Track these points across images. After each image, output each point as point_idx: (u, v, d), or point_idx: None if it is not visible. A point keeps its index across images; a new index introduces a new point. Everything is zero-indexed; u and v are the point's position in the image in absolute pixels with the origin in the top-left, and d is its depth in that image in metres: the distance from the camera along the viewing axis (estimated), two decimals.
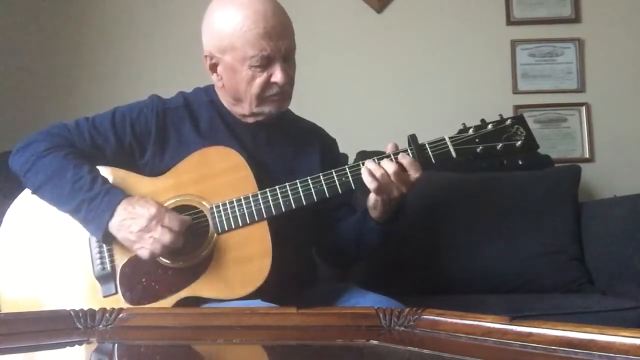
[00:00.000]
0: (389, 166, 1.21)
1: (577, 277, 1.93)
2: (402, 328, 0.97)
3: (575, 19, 2.50)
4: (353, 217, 1.39)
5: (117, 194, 1.23)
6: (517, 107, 2.46)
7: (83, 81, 2.45)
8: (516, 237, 1.97)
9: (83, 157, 1.30)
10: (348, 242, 1.39)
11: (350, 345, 0.95)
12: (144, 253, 1.21)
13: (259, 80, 1.28)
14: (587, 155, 2.46)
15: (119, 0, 2.50)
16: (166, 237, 1.19)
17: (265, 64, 1.27)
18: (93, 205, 1.22)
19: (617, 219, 1.91)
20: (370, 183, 1.21)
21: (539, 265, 1.94)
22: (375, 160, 1.24)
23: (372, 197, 1.26)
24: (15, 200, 1.32)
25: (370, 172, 1.21)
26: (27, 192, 1.31)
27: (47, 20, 2.47)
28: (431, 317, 0.96)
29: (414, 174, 1.22)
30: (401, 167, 1.22)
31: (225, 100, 1.38)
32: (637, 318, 1.62)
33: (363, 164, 1.25)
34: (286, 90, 1.32)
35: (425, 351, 0.87)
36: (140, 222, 1.19)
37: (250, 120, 1.37)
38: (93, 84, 2.45)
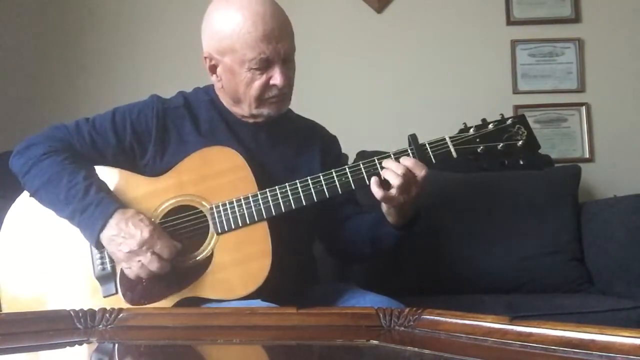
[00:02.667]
0: (399, 169, 1.21)
1: (577, 277, 1.93)
2: (402, 328, 0.97)
3: (575, 19, 2.50)
4: (366, 219, 1.38)
5: (109, 205, 1.22)
6: (517, 107, 2.46)
7: (83, 81, 2.45)
8: (516, 237, 1.97)
9: (82, 161, 1.29)
10: (362, 243, 1.39)
11: (350, 345, 0.95)
12: (129, 273, 1.21)
13: (258, 82, 1.28)
14: (587, 155, 2.46)
15: (120, 1, 2.50)
16: (154, 265, 1.18)
17: (264, 66, 1.27)
18: (85, 215, 1.21)
19: (617, 219, 1.91)
20: (377, 192, 1.21)
21: (539, 265, 1.94)
22: (392, 162, 1.23)
23: (384, 206, 1.26)
24: (16, 200, 1.33)
25: (378, 183, 1.22)
26: (27, 193, 1.31)
27: (47, 21, 2.47)
28: (431, 317, 0.96)
29: (419, 173, 1.22)
30: (408, 171, 1.22)
31: (224, 100, 1.38)
32: (637, 318, 1.62)
33: (363, 164, 1.25)
34: (285, 93, 1.32)
35: (425, 351, 0.87)
36: (130, 243, 1.18)
37: (250, 120, 1.37)
38: (93, 84, 2.45)
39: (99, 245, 1.22)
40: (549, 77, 2.50)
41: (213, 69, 1.34)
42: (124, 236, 1.19)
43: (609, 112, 2.48)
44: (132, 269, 1.20)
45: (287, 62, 1.30)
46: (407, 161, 1.23)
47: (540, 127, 2.46)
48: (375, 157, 1.26)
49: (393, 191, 1.21)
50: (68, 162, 1.27)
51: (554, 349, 0.79)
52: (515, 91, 2.49)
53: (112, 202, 1.23)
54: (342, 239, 1.42)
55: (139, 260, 1.18)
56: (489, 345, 0.85)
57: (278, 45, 1.26)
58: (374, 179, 1.23)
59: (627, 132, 2.46)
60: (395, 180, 1.20)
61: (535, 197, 2.03)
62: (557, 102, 2.49)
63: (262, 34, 1.24)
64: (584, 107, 2.48)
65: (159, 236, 1.20)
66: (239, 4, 1.26)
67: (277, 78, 1.27)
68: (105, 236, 1.20)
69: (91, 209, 1.21)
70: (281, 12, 1.29)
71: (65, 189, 1.23)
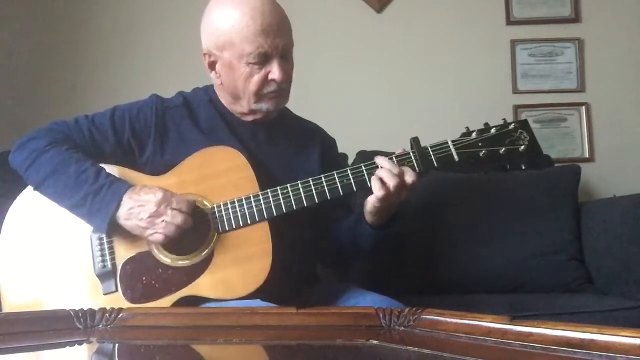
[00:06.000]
0: (395, 170, 1.22)
1: (577, 277, 1.93)
2: (402, 328, 0.97)
3: (575, 19, 2.50)
4: (349, 220, 1.39)
5: (122, 185, 1.24)
6: (517, 107, 2.46)
7: (83, 81, 2.46)
8: (516, 237, 1.97)
9: (84, 153, 1.30)
10: (344, 244, 1.39)
11: (350, 345, 0.95)
12: (158, 238, 1.21)
13: (257, 77, 1.28)
14: (587, 155, 2.46)
15: (119, 0, 2.50)
16: (178, 219, 1.19)
17: (263, 61, 1.27)
18: (99, 198, 1.22)
19: (617, 219, 1.91)
20: (378, 191, 1.21)
21: (539, 265, 1.94)
22: (387, 162, 1.24)
23: (371, 202, 1.26)
24: (17, 199, 1.33)
25: (381, 180, 1.22)
26: (27, 191, 1.32)
27: (47, 20, 2.47)
28: (431, 317, 0.96)
29: (408, 179, 1.22)
30: (402, 173, 1.23)
31: (224, 99, 1.38)
32: (637, 318, 1.62)
33: (365, 166, 1.25)
34: (284, 88, 1.32)
35: (425, 351, 0.87)
36: (149, 208, 1.20)
37: (249, 118, 1.37)
38: (93, 84, 2.45)
39: (112, 228, 1.22)
40: (549, 77, 2.50)
41: (212, 65, 1.34)
42: (141, 204, 1.20)
43: (609, 112, 2.48)
44: (158, 232, 1.20)
45: (285, 58, 1.30)
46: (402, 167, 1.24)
47: (540, 127, 2.46)
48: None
49: (391, 190, 1.21)
50: (73, 152, 1.28)
51: (554, 349, 0.79)
52: (515, 91, 2.49)
53: (124, 183, 1.25)
54: (327, 242, 1.42)
55: (163, 220, 1.19)
56: (489, 345, 0.85)
57: (276, 40, 1.26)
58: (374, 178, 1.23)
59: (627, 132, 2.46)
60: (392, 181, 1.21)
61: (535, 197, 2.03)
62: (557, 102, 2.49)
63: (260, 28, 1.25)
64: (584, 107, 2.48)
65: (172, 194, 1.23)
66: (237, 1, 1.27)
67: (275, 73, 1.28)
68: (122, 214, 1.21)
69: (104, 190, 1.22)
70: (279, 9, 1.30)
71: (75, 176, 1.24)
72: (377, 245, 1.35)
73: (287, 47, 1.30)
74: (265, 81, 1.29)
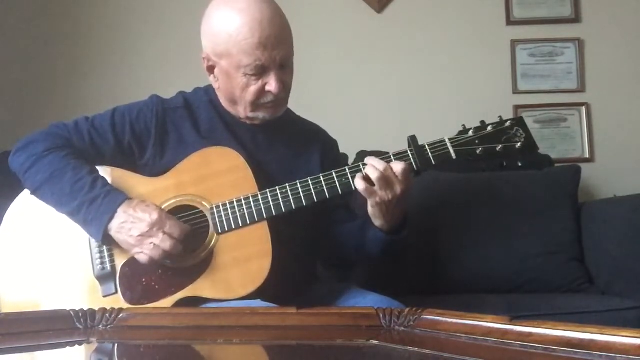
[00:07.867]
0: (380, 165, 1.22)
1: (577, 277, 1.93)
2: (402, 328, 0.97)
3: (575, 19, 2.50)
4: (353, 224, 1.39)
5: (117, 196, 1.23)
6: (517, 107, 2.46)
7: (83, 81, 2.46)
8: (516, 237, 1.97)
9: (83, 158, 1.30)
10: (347, 248, 1.39)
11: (350, 345, 0.95)
12: (142, 258, 1.20)
13: (254, 88, 1.28)
14: (587, 155, 2.46)
15: (119, 0, 2.50)
16: (166, 244, 1.19)
17: (260, 72, 1.26)
18: (93, 207, 1.21)
19: (617, 219, 1.91)
20: (360, 185, 1.21)
21: (539, 265, 1.94)
22: (373, 158, 1.24)
23: (369, 202, 1.25)
24: (15, 200, 1.33)
25: (361, 176, 1.22)
26: (27, 192, 1.31)
27: (47, 20, 2.47)
28: (431, 317, 0.96)
29: (397, 168, 1.22)
30: (389, 167, 1.23)
31: (222, 101, 1.38)
32: (637, 318, 1.62)
33: (364, 165, 1.25)
34: (281, 97, 1.31)
35: (425, 351, 0.87)
36: (140, 226, 1.19)
37: (247, 122, 1.37)
38: (93, 84, 2.45)
39: (105, 238, 1.22)
40: (549, 77, 2.50)
41: (211, 69, 1.34)
42: (133, 221, 1.20)
43: (609, 112, 2.48)
44: (144, 252, 1.20)
45: (283, 68, 1.29)
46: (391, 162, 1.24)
47: (540, 127, 2.46)
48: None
49: (374, 185, 1.21)
50: (71, 158, 1.27)
51: (554, 349, 0.79)
52: (515, 91, 2.49)
53: (120, 194, 1.24)
54: (329, 243, 1.42)
55: (151, 242, 1.19)
56: (489, 345, 0.85)
57: (274, 52, 1.25)
58: (359, 174, 1.23)
59: (627, 132, 2.46)
60: (374, 174, 1.21)
61: (535, 197, 2.03)
62: (557, 102, 2.49)
63: (258, 41, 1.23)
64: (584, 107, 2.48)
65: (168, 217, 1.22)
66: (238, 8, 1.25)
67: (272, 85, 1.27)
68: (114, 226, 1.21)
69: (99, 200, 1.22)
70: (280, 17, 1.28)
71: (70, 183, 1.24)
72: (386, 250, 1.33)
73: (286, 57, 1.29)
74: (262, 92, 1.29)
